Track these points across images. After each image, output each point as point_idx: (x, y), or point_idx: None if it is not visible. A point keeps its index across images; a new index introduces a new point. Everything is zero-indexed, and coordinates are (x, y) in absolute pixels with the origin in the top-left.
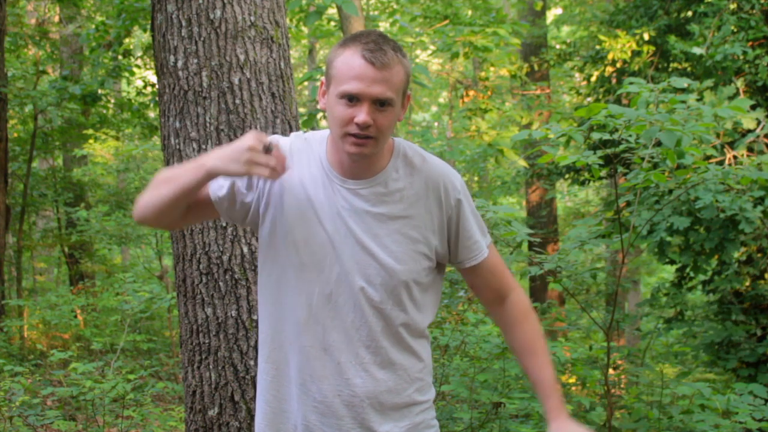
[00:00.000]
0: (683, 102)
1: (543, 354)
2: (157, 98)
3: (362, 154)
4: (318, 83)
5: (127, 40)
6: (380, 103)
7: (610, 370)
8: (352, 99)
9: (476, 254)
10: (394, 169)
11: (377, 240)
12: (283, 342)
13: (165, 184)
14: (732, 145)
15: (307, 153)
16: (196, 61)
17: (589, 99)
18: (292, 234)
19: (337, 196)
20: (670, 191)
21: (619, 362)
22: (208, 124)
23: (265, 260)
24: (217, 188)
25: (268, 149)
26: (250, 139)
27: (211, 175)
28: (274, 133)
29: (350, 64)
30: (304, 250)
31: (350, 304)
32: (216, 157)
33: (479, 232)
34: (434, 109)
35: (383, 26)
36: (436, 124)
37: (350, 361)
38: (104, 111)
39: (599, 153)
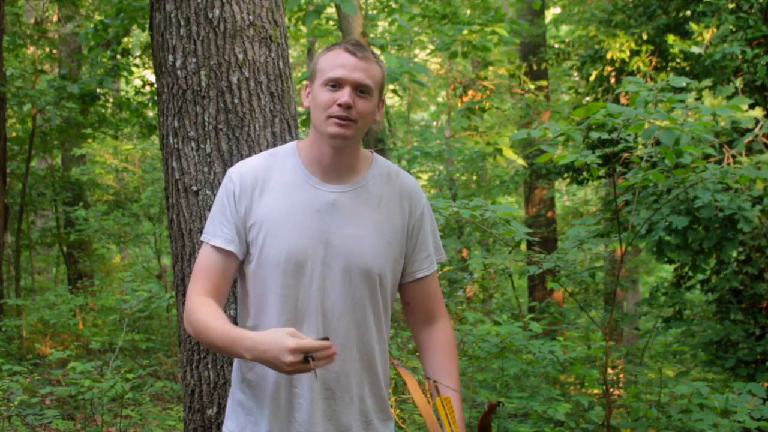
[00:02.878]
0: (682, 101)
1: (456, 375)
2: (155, 97)
3: (343, 135)
4: None
5: (125, 39)
6: (360, 90)
7: (609, 370)
8: (335, 85)
9: (427, 266)
10: (373, 176)
11: (359, 240)
12: None
13: (208, 341)
14: (731, 144)
15: (279, 165)
16: (194, 60)
17: (588, 98)
18: (275, 243)
19: (318, 199)
20: (669, 190)
21: (618, 361)
22: (206, 123)
23: (254, 274)
24: (227, 244)
25: (307, 358)
26: (286, 354)
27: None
28: (272, 132)
29: (334, 58)
30: (288, 256)
31: (337, 301)
32: (257, 357)
33: (434, 249)
34: (433, 108)
35: (382, 25)
36: (435, 123)
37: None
38: (103, 110)
39: (598, 152)
